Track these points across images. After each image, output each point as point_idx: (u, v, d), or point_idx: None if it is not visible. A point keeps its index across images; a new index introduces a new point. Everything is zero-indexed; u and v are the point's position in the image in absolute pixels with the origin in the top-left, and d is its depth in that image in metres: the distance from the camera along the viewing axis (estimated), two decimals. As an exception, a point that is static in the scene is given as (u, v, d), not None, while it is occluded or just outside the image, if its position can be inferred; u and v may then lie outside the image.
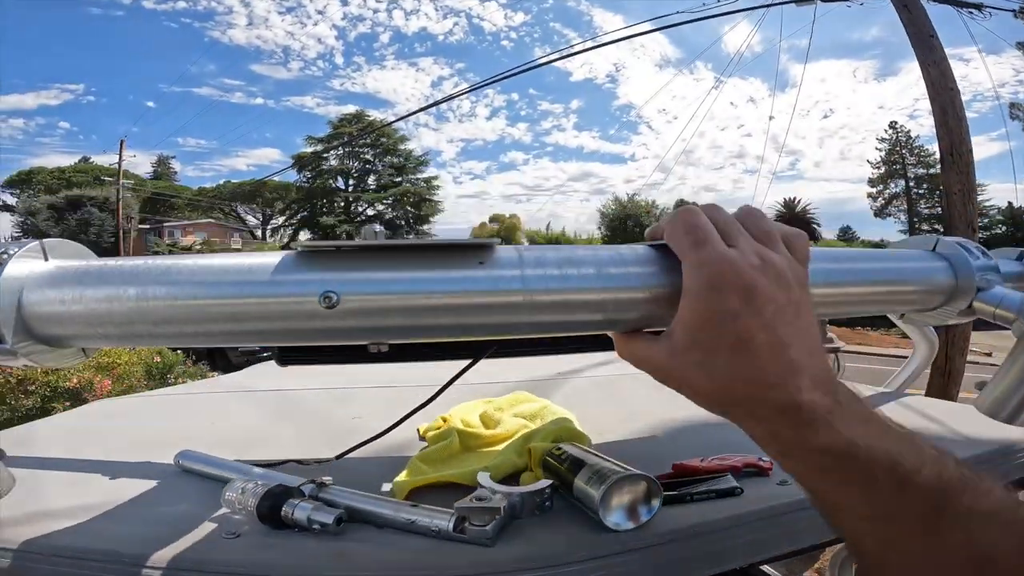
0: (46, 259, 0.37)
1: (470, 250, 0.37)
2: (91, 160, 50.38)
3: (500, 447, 0.64)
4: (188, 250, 37.34)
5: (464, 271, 0.36)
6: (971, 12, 6.29)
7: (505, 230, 52.65)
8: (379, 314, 0.35)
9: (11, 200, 45.59)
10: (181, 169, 60.50)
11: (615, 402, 0.99)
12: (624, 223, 21.91)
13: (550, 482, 0.49)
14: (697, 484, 0.52)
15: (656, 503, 0.45)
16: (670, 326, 0.33)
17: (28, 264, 0.37)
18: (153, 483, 0.59)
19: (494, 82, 10.89)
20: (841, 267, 0.43)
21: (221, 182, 59.11)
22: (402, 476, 0.56)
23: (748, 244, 0.33)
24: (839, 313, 0.43)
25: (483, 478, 0.51)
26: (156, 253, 36.35)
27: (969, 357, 14.95)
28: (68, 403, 5.05)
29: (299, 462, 0.63)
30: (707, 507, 0.49)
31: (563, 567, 0.41)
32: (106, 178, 35.64)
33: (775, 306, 0.31)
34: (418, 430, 0.76)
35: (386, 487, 0.56)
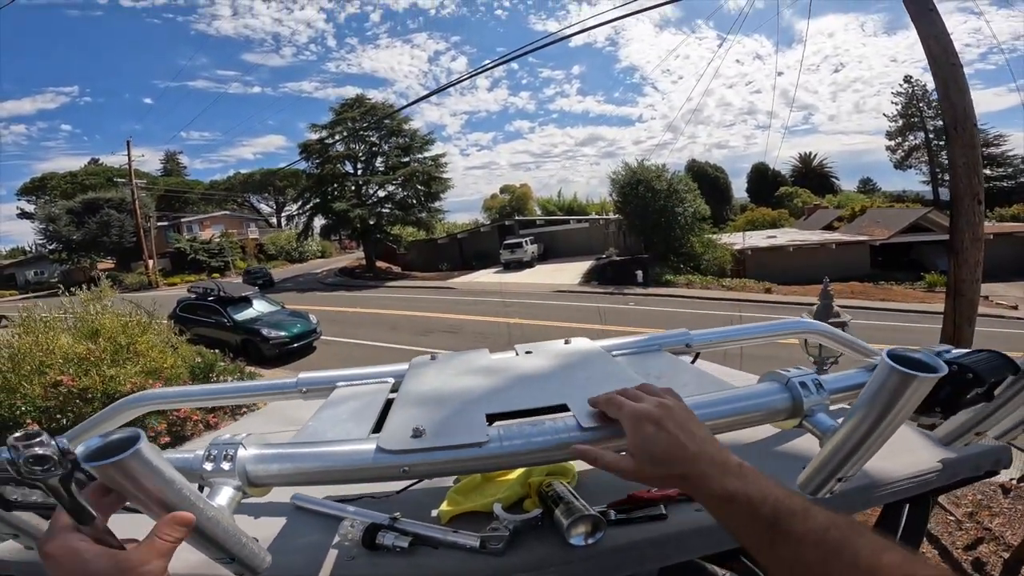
0: (245, 449, 0.63)
1: None
2: (100, 161, 51.15)
3: (512, 476, 0.91)
4: (208, 243, 38.10)
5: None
6: None
7: (516, 199, 52.54)
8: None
9: (29, 207, 46.86)
10: (189, 163, 61.20)
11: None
12: (636, 188, 21.76)
13: (540, 511, 0.77)
14: (639, 510, 0.79)
15: (600, 532, 0.73)
16: (627, 450, 0.59)
17: (244, 450, 0.63)
18: (282, 519, 0.87)
19: (504, 62, 10.82)
20: (715, 409, 0.67)
21: (231, 173, 59.68)
22: (444, 506, 0.84)
23: (647, 399, 0.61)
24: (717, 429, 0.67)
25: (497, 508, 0.78)
26: (177, 248, 37.06)
27: (995, 311, 14.63)
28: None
29: (372, 496, 0.91)
30: (640, 528, 0.76)
31: (545, 569, 0.70)
32: (118, 179, 36.12)
33: (671, 424, 0.56)
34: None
35: (433, 513, 0.84)
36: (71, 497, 0.45)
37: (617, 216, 25.34)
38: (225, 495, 0.59)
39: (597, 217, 33.18)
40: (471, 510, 0.82)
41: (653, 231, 21.76)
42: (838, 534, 0.43)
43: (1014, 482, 3.88)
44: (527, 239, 27.46)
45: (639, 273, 19.95)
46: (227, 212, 47.30)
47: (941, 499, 4.02)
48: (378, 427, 0.75)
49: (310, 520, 0.86)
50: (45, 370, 5.55)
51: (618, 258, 22.82)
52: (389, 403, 0.84)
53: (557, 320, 14.03)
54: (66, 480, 0.44)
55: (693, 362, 1.11)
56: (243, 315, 12.28)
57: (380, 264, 31.13)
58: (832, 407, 0.70)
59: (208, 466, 0.60)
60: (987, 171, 36.70)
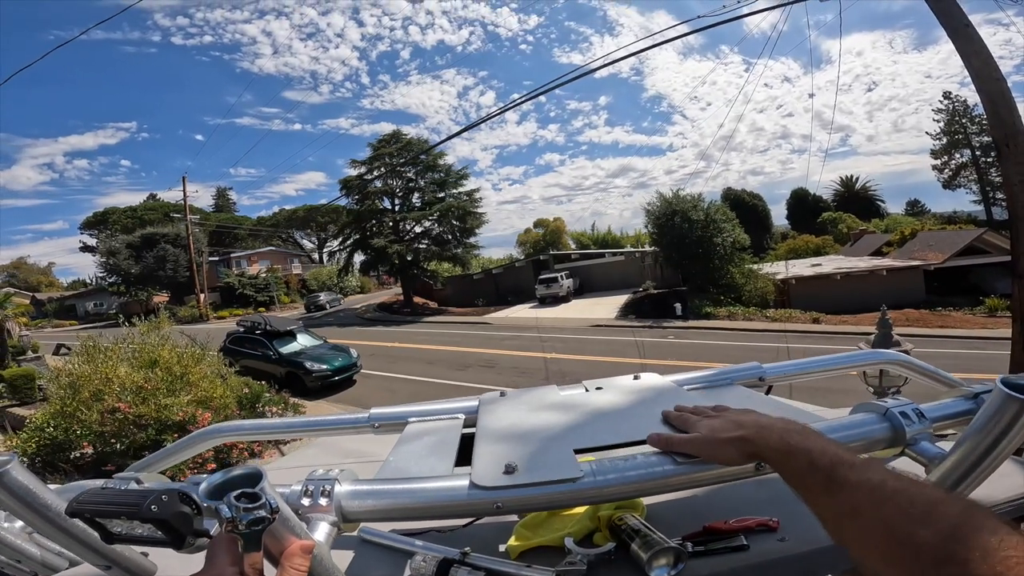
0: (340, 484, 0.65)
1: None
2: (158, 197, 54.52)
3: (580, 510, 0.89)
4: (255, 278, 39.72)
5: None
6: None
7: (550, 234, 52.93)
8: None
9: (90, 240, 50.06)
10: (237, 199, 64.53)
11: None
12: (672, 219, 21.56)
13: (614, 545, 0.74)
14: (718, 541, 0.75)
15: (681, 564, 0.70)
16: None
17: (340, 486, 0.64)
18: (350, 553, 0.86)
19: (532, 97, 11.13)
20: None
21: (275, 209, 62.63)
22: (512, 541, 0.82)
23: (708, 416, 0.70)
24: None
25: (569, 542, 0.76)
26: (227, 283, 38.72)
27: None
28: (176, 434, 5.62)
29: (438, 531, 0.90)
30: (722, 559, 0.73)
31: None
32: (174, 214, 38.19)
33: (733, 412, 0.67)
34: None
35: (501, 547, 0.83)
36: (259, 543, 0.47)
37: (653, 248, 25.10)
38: (323, 530, 0.59)
39: (632, 250, 32.94)
40: (541, 544, 0.80)
41: (691, 262, 21.39)
42: (895, 484, 0.44)
43: None
44: (562, 273, 27.42)
45: (678, 306, 19.57)
46: (272, 248, 49.30)
47: None
48: (459, 462, 0.76)
49: (379, 554, 0.86)
50: (103, 397, 5.79)
51: (655, 291, 22.51)
52: (464, 438, 0.85)
53: (595, 355, 13.83)
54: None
55: (767, 394, 1.08)
56: (288, 348, 12.68)
57: (417, 299, 31.62)
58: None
59: (306, 501, 0.62)
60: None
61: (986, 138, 34.82)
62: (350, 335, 21.23)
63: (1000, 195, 32.89)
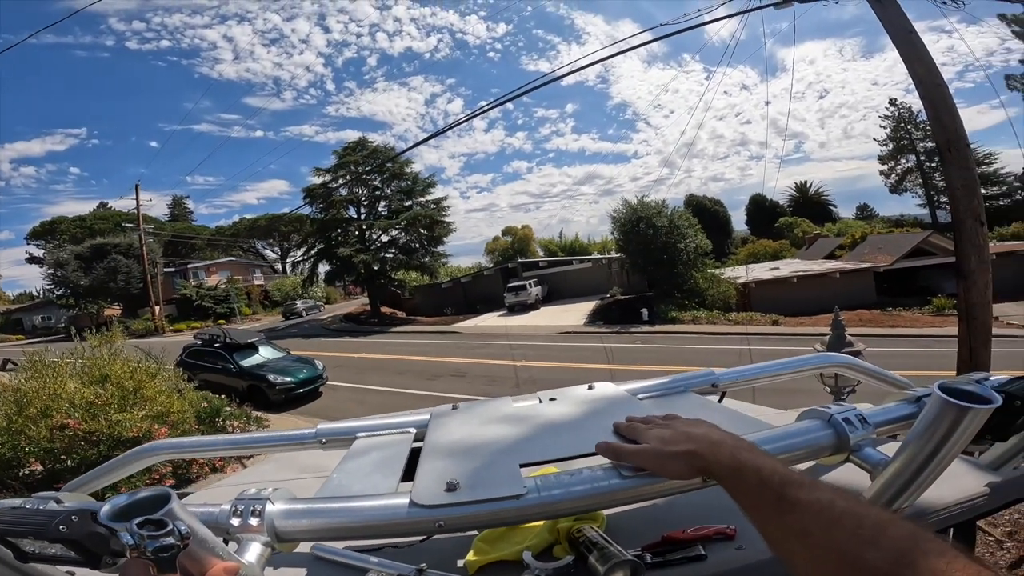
0: (273, 504, 0.62)
1: None
2: (109, 205, 52.19)
3: (539, 523, 0.88)
4: (213, 289, 38.40)
5: None
6: (943, 1, 6.28)
7: (519, 241, 53.05)
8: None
9: (37, 251, 47.48)
10: (194, 208, 62.41)
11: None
12: (637, 226, 21.96)
13: (573, 558, 0.73)
14: (676, 552, 0.75)
15: None
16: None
17: (272, 506, 0.62)
18: (303, 571, 0.83)
19: (500, 104, 11.19)
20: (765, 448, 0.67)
21: (235, 218, 60.75)
22: (471, 556, 0.80)
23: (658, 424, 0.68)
24: None
25: (527, 556, 0.75)
26: (183, 294, 37.35)
27: (1007, 331, 14.40)
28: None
29: (394, 546, 0.87)
30: (679, 570, 0.72)
31: None
32: (126, 224, 36.66)
33: (684, 423, 0.65)
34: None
35: (460, 563, 0.80)
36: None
37: (619, 255, 25.46)
38: (254, 551, 0.57)
39: (599, 256, 33.35)
40: (499, 559, 0.79)
41: (656, 268, 21.80)
42: (844, 504, 0.44)
43: None
44: (530, 281, 27.53)
45: (644, 311, 19.89)
46: (232, 258, 47.80)
47: (980, 521, 3.89)
48: (405, 478, 0.74)
49: (332, 571, 0.82)
50: (51, 413, 5.59)
51: (622, 297, 22.84)
52: (413, 453, 0.83)
53: (565, 361, 13.91)
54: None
55: (720, 401, 1.09)
56: (249, 361, 12.31)
57: (385, 309, 31.18)
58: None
59: (235, 521, 0.59)
60: (982, 191, 36.71)
61: (930, 144, 36.75)
62: (315, 346, 20.73)
63: (944, 199, 34.78)
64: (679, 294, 21.46)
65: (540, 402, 1.01)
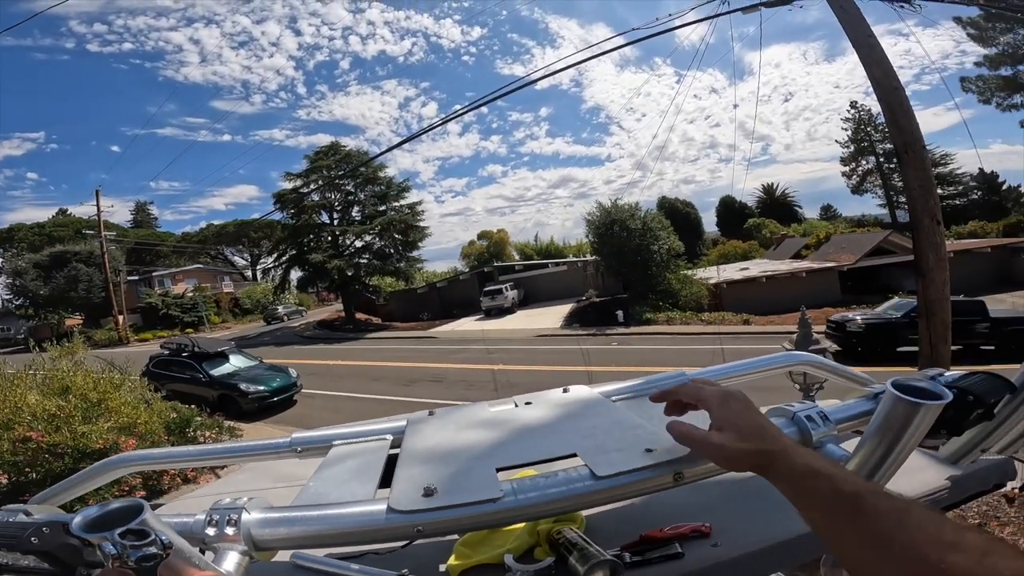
0: (249, 513, 0.62)
1: None
2: (69, 212, 50.26)
3: (520, 525, 0.88)
4: (180, 298, 37.29)
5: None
6: (902, 5, 6.49)
7: (494, 245, 53.05)
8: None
9: (-5, 260, 45.43)
10: (159, 214, 60.56)
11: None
12: (611, 228, 22.23)
13: (553, 559, 0.74)
14: (654, 550, 0.77)
15: None
16: (710, 428, 0.61)
17: (248, 514, 0.62)
18: None
19: (474, 108, 11.19)
20: None
21: (203, 225, 59.18)
22: (452, 560, 0.80)
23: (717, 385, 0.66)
24: None
25: (508, 559, 0.76)
26: (149, 303, 36.17)
27: None
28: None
29: (376, 553, 0.87)
30: (659, 569, 0.74)
31: None
32: (87, 231, 35.38)
33: (752, 404, 0.60)
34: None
35: (442, 567, 0.81)
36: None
37: (594, 257, 25.70)
38: (232, 560, 0.57)
39: (575, 259, 33.60)
40: (481, 563, 0.79)
41: (630, 270, 22.07)
42: (920, 513, 0.45)
43: (1017, 491, 3.86)
44: (506, 285, 27.51)
45: (620, 313, 20.10)
46: (200, 265, 46.51)
47: (949, 514, 4.02)
48: (382, 485, 0.74)
49: None
50: (13, 426, 5.46)
51: (598, 299, 23.01)
52: (390, 460, 0.82)
53: (542, 364, 13.95)
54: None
55: None
56: (219, 370, 12.03)
57: (360, 315, 30.77)
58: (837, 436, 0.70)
59: (211, 531, 0.59)
60: (939, 191, 38.10)
61: (889, 145, 38.07)
62: (289, 354, 20.32)
63: (903, 199, 36.07)
64: (653, 295, 21.77)
65: (516, 406, 1.01)
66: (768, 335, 15.77)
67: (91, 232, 33.56)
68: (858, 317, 13.75)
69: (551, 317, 22.92)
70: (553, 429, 0.87)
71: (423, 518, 0.61)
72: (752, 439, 0.57)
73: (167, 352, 12.86)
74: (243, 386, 11.30)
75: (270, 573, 0.85)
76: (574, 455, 0.71)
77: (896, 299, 14.94)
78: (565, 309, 23.71)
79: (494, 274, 30.85)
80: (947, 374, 0.78)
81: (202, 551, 0.56)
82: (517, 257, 45.14)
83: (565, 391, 1.06)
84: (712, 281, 23.60)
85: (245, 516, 0.60)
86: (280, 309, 38.50)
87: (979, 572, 0.38)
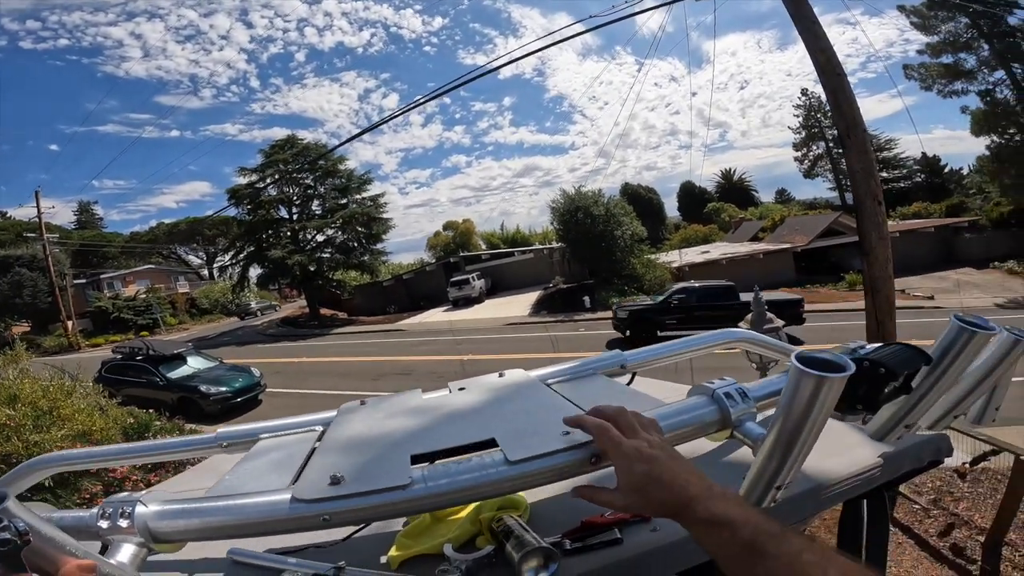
0: (145, 505, 0.62)
1: None
2: (8, 215, 47.30)
3: (463, 514, 0.89)
4: (132, 300, 35.65)
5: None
6: None
7: (460, 235, 52.60)
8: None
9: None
10: (105, 214, 57.59)
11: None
12: (575, 215, 22.40)
13: (492, 548, 0.75)
14: (594, 537, 0.77)
15: (554, 565, 0.71)
16: (616, 486, 0.61)
17: (144, 507, 0.61)
18: (220, 575, 0.81)
19: (435, 97, 11.03)
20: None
21: (153, 224, 56.58)
22: (393, 551, 0.80)
23: (639, 435, 0.63)
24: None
25: (447, 549, 0.76)
26: (99, 307, 34.49)
27: (913, 303, 15.88)
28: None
29: (317, 546, 0.86)
30: (597, 556, 0.74)
31: None
32: (29, 234, 33.43)
33: (662, 461, 0.59)
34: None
35: (383, 559, 0.81)
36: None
37: (560, 244, 25.86)
38: (126, 552, 0.58)
39: (541, 247, 33.69)
40: (422, 553, 0.79)
41: (596, 256, 22.32)
42: (811, 557, 0.46)
43: (967, 466, 3.93)
44: (474, 274, 27.43)
45: (586, 299, 20.34)
46: (152, 266, 44.51)
47: (904, 489, 4.16)
48: (300, 477, 0.73)
49: (248, 574, 0.81)
50: None
51: (565, 286, 23.23)
52: (314, 451, 0.81)
53: (511, 353, 14.01)
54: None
55: (630, 382, 1.13)
56: (177, 373, 11.64)
57: (324, 311, 30.13)
58: (763, 414, 0.71)
59: (104, 524, 0.59)
60: (884, 174, 40.11)
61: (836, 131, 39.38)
62: (251, 353, 19.78)
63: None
64: (619, 280, 22.09)
65: (450, 392, 1.01)
66: (728, 315, 16.21)
67: (33, 235, 31.68)
68: (627, 305, 15.69)
69: (519, 305, 23.00)
70: (480, 414, 0.86)
71: (329, 507, 0.60)
72: (656, 499, 0.58)
73: (120, 356, 12.33)
74: (204, 388, 10.97)
75: (209, 570, 0.84)
76: (492, 440, 0.70)
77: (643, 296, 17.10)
78: (533, 297, 23.83)
79: (461, 264, 30.68)
80: (868, 347, 0.79)
81: (105, 546, 0.57)
82: (484, 247, 44.91)
83: (501, 376, 1.06)
84: (675, 265, 24.13)
85: (140, 509, 0.60)
86: (253, 304, 39.12)
87: None
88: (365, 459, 0.71)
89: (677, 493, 0.56)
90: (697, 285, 15.57)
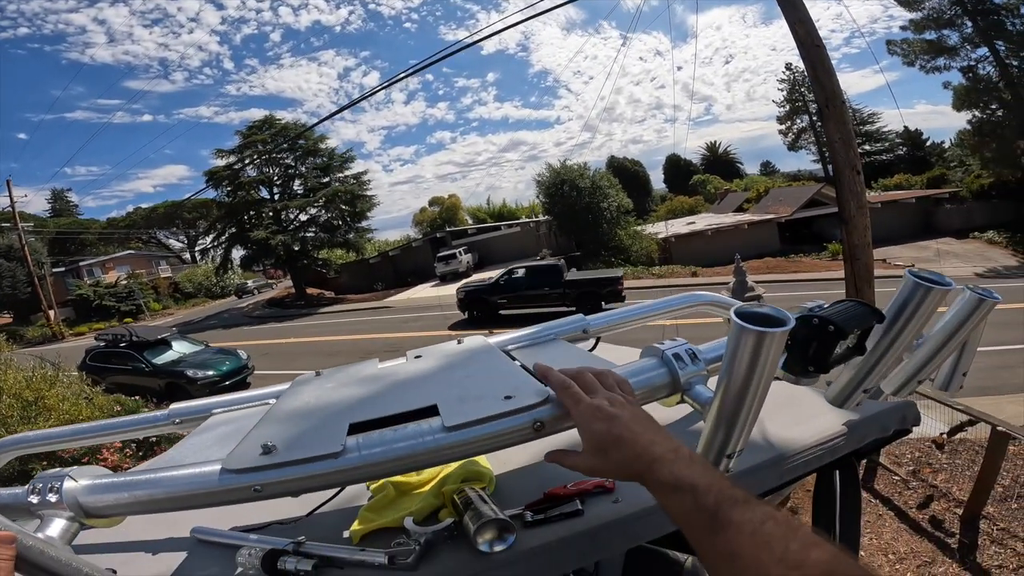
0: (76, 480, 0.62)
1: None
2: (-22, 206, 45.83)
3: (427, 488, 0.89)
4: (113, 286, 35.01)
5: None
6: None
7: (446, 211, 52.19)
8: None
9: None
10: (80, 201, 56.16)
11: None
12: (561, 188, 22.30)
13: (452, 520, 0.75)
14: (555, 508, 0.77)
15: (510, 536, 0.71)
16: (582, 449, 0.60)
17: (73, 482, 0.61)
18: (183, 554, 0.81)
19: (416, 72, 10.77)
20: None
21: (130, 209, 55.33)
22: (355, 525, 0.80)
23: (601, 393, 0.61)
24: None
25: (407, 522, 0.76)
26: (80, 295, 33.87)
27: (893, 271, 16.16)
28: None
29: (280, 523, 0.86)
30: (557, 527, 0.74)
31: None
32: (2, 224, 32.57)
33: (623, 420, 0.57)
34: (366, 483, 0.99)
35: (345, 534, 0.81)
36: None
37: (547, 217, 25.78)
38: (56, 527, 0.58)
39: (527, 220, 33.56)
40: (384, 526, 0.79)
41: (582, 228, 22.33)
42: (774, 527, 0.44)
43: (944, 436, 4.03)
44: (460, 249, 27.34)
45: (573, 271, 20.33)
46: (132, 251, 43.70)
47: (884, 460, 4.22)
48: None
49: (211, 553, 0.81)
50: None
51: (552, 258, 23.20)
52: None
53: (499, 326, 14.05)
54: None
55: (594, 348, 1.12)
56: (162, 358, 11.50)
57: (311, 290, 29.90)
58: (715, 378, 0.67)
59: (34, 499, 0.60)
60: (866, 147, 40.31)
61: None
62: (238, 336, 19.65)
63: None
64: (605, 252, 22.17)
65: (406, 360, 0.99)
66: (715, 286, 16.36)
67: (7, 225, 30.83)
68: (466, 286, 16.65)
69: (506, 280, 22.96)
70: (428, 381, 0.84)
71: (260, 477, 0.59)
72: (616, 460, 0.56)
73: (103, 344, 12.16)
74: (190, 372, 10.87)
75: (173, 549, 0.84)
76: (434, 407, 0.68)
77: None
78: (520, 271, 23.77)
79: (447, 239, 30.51)
80: (824, 306, 0.76)
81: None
82: (470, 221, 44.64)
83: (459, 342, 1.04)
84: (661, 236, 24.19)
85: (69, 484, 0.61)
86: (250, 283, 40.20)
87: None
88: (302, 428, 0.69)
89: (639, 453, 0.54)
90: (526, 266, 16.45)
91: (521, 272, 15.72)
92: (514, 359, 0.88)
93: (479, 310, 15.46)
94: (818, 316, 0.67)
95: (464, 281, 17.73)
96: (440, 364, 0.92)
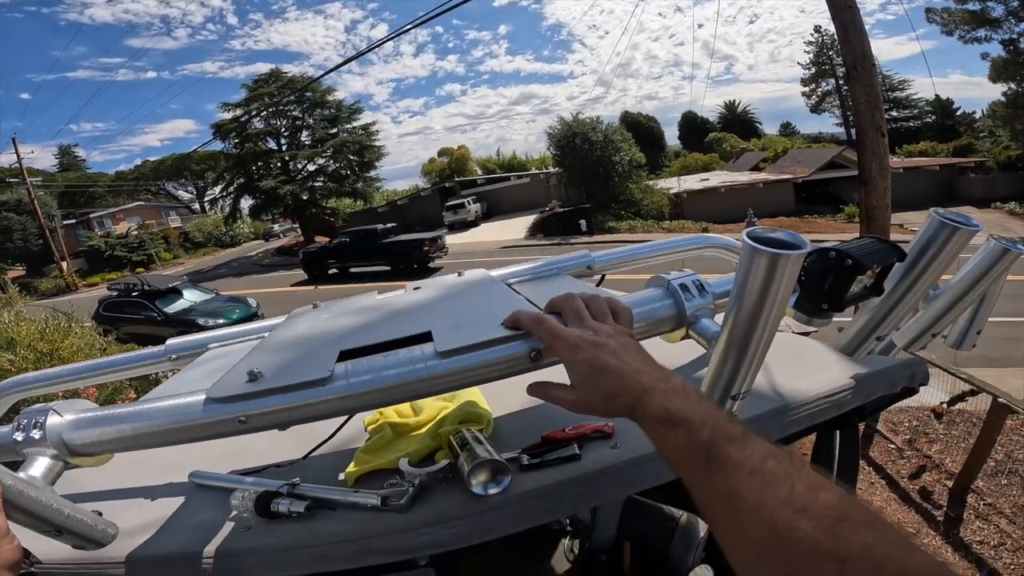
0: (61, 416, 0.58)
1: None
2: (-14, 163, 45.79)
3: (424, 429, 0.87)
4: (124, 237, 35.25)
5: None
6: None
7: (456, 161, 51.48)
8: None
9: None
10: (87, 156, 56.10)
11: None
12: (572, 141, 21.82)
13: (447, 462, 0.73)
14: (552, 452, 0.75)
15: (505, 479, 0.69)
16: (569, 383, 0.55)
17: (57, 417, 0.57)
18: (181, 498, 0.81)
19: (423, 23, 10.33)
20: None
21: (138, 162, 55.02)
22: (351, 467, 0.79)
23: (585, 324, 0.57)
24: None
25: (402, 463, 0.74)
26: (91, 246, 34.21)
27: (910, 237, 16.43)
28: None
29: (277, 466, 0.85)
30: (553, 471, 0.72)
31: (448, 523, 0.66)
32: (11, 179, 32.68)
33: (610, 348, 0.53)
34: (364, 424, 0.97)
35: (341, 476, 0.79)
36: None
37: (557, 169, 25.35)
38: (40, 466, 0.55)
39: (537, 172, 32.99)
40: (379, 468, 0.78)
41: (593, 181, 21.94)
42: (775, 466, 0.39)
43: (945, 406, 3.94)
44: (469, 199, 27.22)
45: (583, 222, 20.17)
46: (141, 203, 43.76)
47: (880, 427, 4.22)
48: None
49: (208, 496, 0.80)
50: None
51: (561, 209, 22.91)
52: None
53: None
54: None
55: (599, 284, 1.08)
56: (174, 307, 11.70)
57: (319, 239, 30.00)
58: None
59: (19, 436, 0.56)
60: (894, 113, 39.05)
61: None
62: (248, 284, 19.85)
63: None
64: (616, 205, 21.86)
65: (405, 292, 0.96)
66: (725, 243, 16.17)
67: (15, 180, 30.88)
68: (307, 248, 19.40)
69: (515, 229, 22.90)
70: (423, 310, 0.81)
71: (245, 406, 0.56)
72: (602, 391, 0.51)
73: (116, 293, 12.34)
74: (201, 321, 11.02)
75: (171, 494, 0.84)
76: (428, 333, 0.64)
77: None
78: (529, 220, 23.63)
79: (456, 189, 30.16)
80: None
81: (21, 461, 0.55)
82: (479, 172, 44.05)
83: (459, 275, 1.02)
84: (673, 191, 23.72)
85: (53, 419, 0.56)
86: (276, 227, 42.20)
87: (827, 543, 0.34)
88: (291, 357, 0.67)
89: (627, 383, 0.49)
90: (355, 230, 18.79)
91: (352, 236, 18.05)
92: (517, 293, 0.85)
93: (316, 269, 18.19)
94: (835, 249, 0.62)
95: (307, 247, 20.55)
96: (439, 294, 0.89)
